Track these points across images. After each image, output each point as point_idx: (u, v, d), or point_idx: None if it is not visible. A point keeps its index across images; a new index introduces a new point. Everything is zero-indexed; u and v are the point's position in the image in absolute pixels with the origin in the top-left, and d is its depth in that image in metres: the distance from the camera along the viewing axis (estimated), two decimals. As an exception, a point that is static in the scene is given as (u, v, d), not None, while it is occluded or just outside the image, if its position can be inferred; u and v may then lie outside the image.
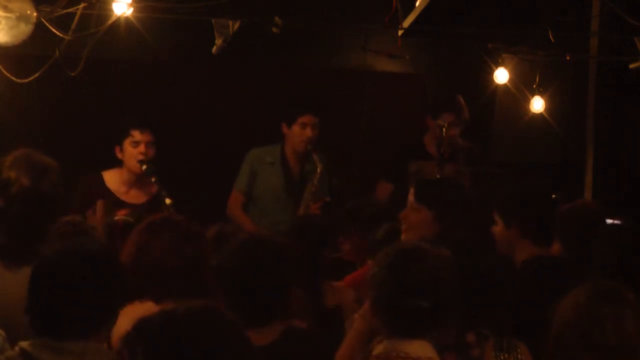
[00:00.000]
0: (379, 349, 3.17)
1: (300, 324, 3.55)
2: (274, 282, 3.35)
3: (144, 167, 5.76)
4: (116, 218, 5.10)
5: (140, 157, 5.79)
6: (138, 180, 5.89)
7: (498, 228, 4.38)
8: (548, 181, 6.79)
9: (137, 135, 5.82)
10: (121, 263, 3.11)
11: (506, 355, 3.40)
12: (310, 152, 6.29)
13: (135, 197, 5.90)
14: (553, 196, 5.16)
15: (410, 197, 4.49)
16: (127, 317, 2.99)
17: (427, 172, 6.19)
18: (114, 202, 5.69)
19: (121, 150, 5.88)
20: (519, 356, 3.42)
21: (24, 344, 2.89)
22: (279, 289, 3.36)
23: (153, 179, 5.68)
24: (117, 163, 5.93)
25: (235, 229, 4.35)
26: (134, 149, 5.83)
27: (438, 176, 5.94)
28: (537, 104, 6.97)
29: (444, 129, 6.14)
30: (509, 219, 4.34)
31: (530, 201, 4.40)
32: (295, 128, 6.30)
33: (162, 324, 2.44)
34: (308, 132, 6.27)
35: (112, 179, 5.93)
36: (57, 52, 4.94)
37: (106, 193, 5.85)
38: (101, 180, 5.92)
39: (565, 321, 2.89)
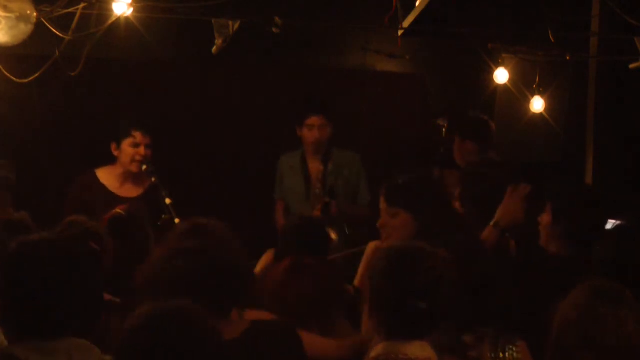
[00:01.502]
0: (377, 350, 3.16)
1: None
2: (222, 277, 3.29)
3: (144, 167, 5.81)
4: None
5: (139, 159, 5.84)
6: (132, 175, 5.94)
7: (546, 217, 4.43)
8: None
9: (138, 137, 5.87)
10: (99, 257, 3.05)
11: (502, 354, 3.40)
12: (328, 152, 6.41)
13: (130, 191, 5.96)
14: None
15: (382, 205, 4.47)
16: None
17: (450, 181, 6.16)
18: (110, 198, 5.73)
19: (118, 148, 5.91)
20: (515, 354, 3.42)
21: (7, 347, 2.83)
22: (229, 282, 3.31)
23: (153, 180, 5.71)
24: (111, 159, 5.96)
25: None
26: (133, 149, 5.87)
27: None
28: (537, 104, 6.96)
29: (444, 130, 6.13)
30: (558, 215, 4.38)
31: (583, 204, 4.41)
32: (305, 130, 6.39)
33: (141, 323, 2.47)
34: (315, 133, 6.35)
35: (105, 175, 5.97)
36: (57, 52, 4.94)
37: (100, 189, 5.89)
38: (95, 178, 5.96)
39: (566, 321, 2.90)
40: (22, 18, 4.62)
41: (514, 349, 3.42)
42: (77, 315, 2.86)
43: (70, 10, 4.81)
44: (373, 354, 3.15)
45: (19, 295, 2.82)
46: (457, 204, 5.00)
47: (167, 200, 5.50)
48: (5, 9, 4.59)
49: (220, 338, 2.57)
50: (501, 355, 3.39)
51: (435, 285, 3.12)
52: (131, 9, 4.83)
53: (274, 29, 5.20)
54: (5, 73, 5.16)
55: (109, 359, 2.88)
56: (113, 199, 5.73)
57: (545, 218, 4.45)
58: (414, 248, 3.22)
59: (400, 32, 5.65)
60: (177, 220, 5.36)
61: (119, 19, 4.86)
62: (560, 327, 2.90)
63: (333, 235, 5.63)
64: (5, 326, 2.88)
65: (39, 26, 4.78)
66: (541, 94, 6.93)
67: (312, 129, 6.39)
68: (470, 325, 3.39)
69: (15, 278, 2.83)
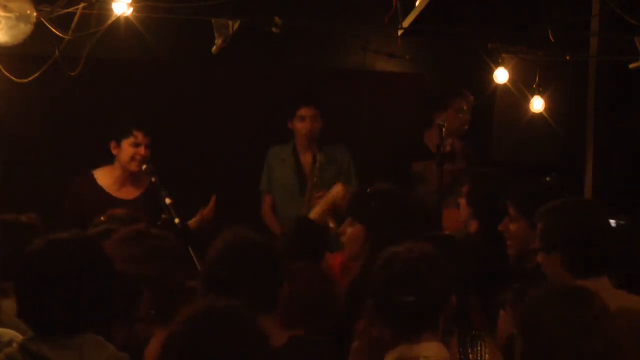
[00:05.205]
0: (393, 354, 3.16)
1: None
2: (263, 283, 3.33)
3: (145, 167, 5.80)
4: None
5: (139, 158, 5.83)
6: (130, 177, 5.92)
7: (515, 226, 4.35)
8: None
9: (139, 136, 5.86)
10: (108, 256, 3.09)
11: (469, 349, 3.40)
12: (317, 144, 6.40)
13: (128, 192, 5.94)
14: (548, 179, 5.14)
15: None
16: None
17: (433, 173, 6.17)
18: (107, 200, 5.72)
19: (117, 147, 5.89)
20: (483, 349, 3.41)
21: (22, 340, 2.94)
22: (269, 290, 3.35)
23: (153, 179, 5.70)
24: (109, 160, 5.95)
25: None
26: (134, 149, 5.86)
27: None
28: (537, 104, 6.95)
29: (443, 129, 6.12)
30: (551, 246, 3.75)
31: (579, 233, 3.75)
32: (296, 122, 6.38)
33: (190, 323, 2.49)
34: (307, 124, 6.34)
35: (103, 176, 5.95)
36: (57, 52, 4.94)
37: (98, 192, 5.88)
38: (92, 180, 5.94)
39: (556, 337, 2.79)
40: (22, 18, 4.62)
41: (483, 344, 3.42)
42: (94, 313, 2.95)
43: (70, 10, 4.81)
44: (389, 358, 3.15)
45: (35, 292, 2.92)
46: (462, 202, 5.01)
47: (167, 200, 5.49)
48: (5, 9, 4.59)
49: (268, 341, 2.60)
50: (470, 351, 3.40)
51: (420, 281, 3.12)
52: (131, 9, 4.82)
53: (274, 29, 5.20)
54: (5, 73, 5.16)
55: (123, 355, 2.92)
56: (111, 201, 5.71)
57: (513, 227, 4.35)
58: (402, 249, 3.22)
59: (400, 32, 5.65)
60: (177, 221, 5.35)
61: (119, 19, 4.86)
62: (550, 344, 2.80)
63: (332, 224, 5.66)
64: (24, 321, 2.99)
65: (39, 26, 4.77)
66: (541, 94, 6.92)
67: (304, 121, 6.38)
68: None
69: (31, 276, 2.94)
